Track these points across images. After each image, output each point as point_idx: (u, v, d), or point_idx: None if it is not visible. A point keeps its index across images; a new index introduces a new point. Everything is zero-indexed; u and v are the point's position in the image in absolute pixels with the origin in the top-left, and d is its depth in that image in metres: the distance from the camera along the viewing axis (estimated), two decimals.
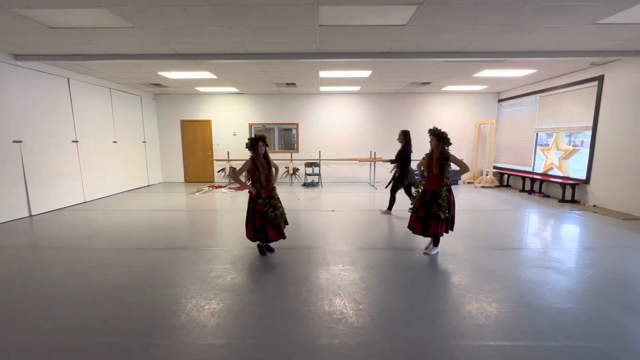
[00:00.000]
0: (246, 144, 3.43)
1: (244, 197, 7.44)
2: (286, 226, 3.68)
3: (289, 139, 9.99)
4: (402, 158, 5.34)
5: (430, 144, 3.54)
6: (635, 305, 2.55)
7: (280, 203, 3.58)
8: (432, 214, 3.45)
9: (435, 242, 3.65)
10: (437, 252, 3.65)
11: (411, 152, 5.38)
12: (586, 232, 4.65)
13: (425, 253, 3.65)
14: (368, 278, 3.05)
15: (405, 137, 5.32)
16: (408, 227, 3.73)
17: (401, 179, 5.39)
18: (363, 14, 3.64)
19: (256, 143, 3.39)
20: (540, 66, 6.20)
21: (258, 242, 3.59)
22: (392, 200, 5.60)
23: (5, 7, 3.42)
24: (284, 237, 3.56)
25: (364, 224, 5.05)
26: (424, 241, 3.90)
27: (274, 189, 3.53)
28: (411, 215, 3.70)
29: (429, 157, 3.55)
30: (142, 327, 2.25)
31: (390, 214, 5.58)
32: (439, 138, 3.45)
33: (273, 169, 3.55)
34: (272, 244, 3.73)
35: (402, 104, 9.43)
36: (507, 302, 2.58)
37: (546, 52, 5.08)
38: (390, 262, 3.45)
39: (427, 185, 3.54)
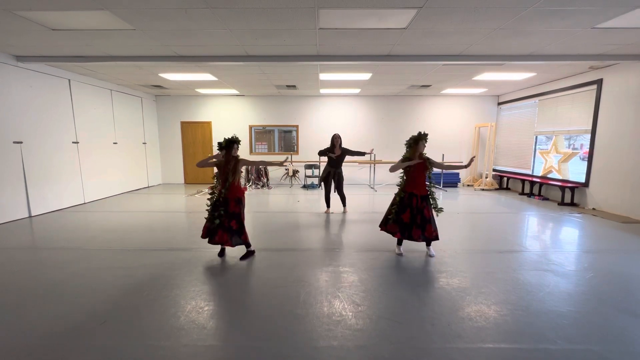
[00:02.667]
0: (219, 143, 3.44)
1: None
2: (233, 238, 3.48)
3: (288, 141, 10.01)
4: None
5: (420, 149, 3.54)
6: (635, 308, 2.55)
7: (223, 213, 3.41)
8: (426, 218, 3.50)
9: (430, 242, 3.67)
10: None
11: None
12: (585, 235, 4.66)
13: (431, 255, 3.64)
14: (367, 280, 3.05)
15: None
16: (386, 230, 3.68)
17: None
18: (363, 17, 3.66)
19: (232, 145, 3.44)
20: (539, 70, 6.23)
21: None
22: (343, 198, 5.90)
23: (7, 8, 3.44)
24: (210, 241, 3.47)
25: (363, 225, 5.05)
26: (422, 243, 3.89)
27: (224, 193, 3.43)
28: (393, 223, 3.59)
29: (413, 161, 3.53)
30: (141, 329, 2.25)
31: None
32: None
33: (231, 175, 3.43)
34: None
35: (402, 107, 9.46)
36: (506, 304, 2.58)
37: (545, 55, 5.11)
38: (390, 264, 3.45)
39: (415, 189, 3.52)
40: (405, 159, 3.57)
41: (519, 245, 4.15)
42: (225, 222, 3.43)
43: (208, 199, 3.55)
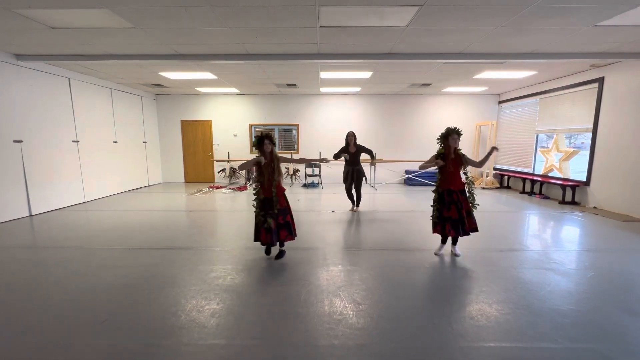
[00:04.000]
0: (253, 143, 3.41)
1: (244, 197, 7.45)
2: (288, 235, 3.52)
3: (289, 140, 9.99)
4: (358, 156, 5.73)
5: (455, 143, 3.54)
6: (636, 307, 2.54)
7: (277, 209, 3.36)
8: (468, 211, 3.53)
9: (456, 240, 3.66)
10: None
11: None
12: (586, 234, 4.65)
13: (456, 255, 3.61)
14: (368, 279, 3.05)
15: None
16: (439, 232, 3.61)
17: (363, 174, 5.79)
18: (364, 15, 3.64)
19: (262, 141, 3.39)
20: (540, 68, 6.21)
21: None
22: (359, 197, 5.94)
23: (7, 7, 3.43)
24: (273, 243, 3.44)
25: (364, 224, 5.05)
26: (424, 242, 3.90)
27: (274, 192, 3.37)
28: (440, 222, 3.57)
29: (446, 156, 3.52)
30: (142, 328, 2.25)
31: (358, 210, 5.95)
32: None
33: (277, 173, 3.39)
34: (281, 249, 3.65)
35: (402, 105, 9.44)
36: (507, 303, 2.58)
37: (546, 53, 5.09)
38: (391, 263, 3.44)
39: (452, 186, 3.52)
40: (438, 154, 3.58)
41: (519, 243, 4.15)
42: (280, 218, 3.42)
43: (254, 200, 3.49)
